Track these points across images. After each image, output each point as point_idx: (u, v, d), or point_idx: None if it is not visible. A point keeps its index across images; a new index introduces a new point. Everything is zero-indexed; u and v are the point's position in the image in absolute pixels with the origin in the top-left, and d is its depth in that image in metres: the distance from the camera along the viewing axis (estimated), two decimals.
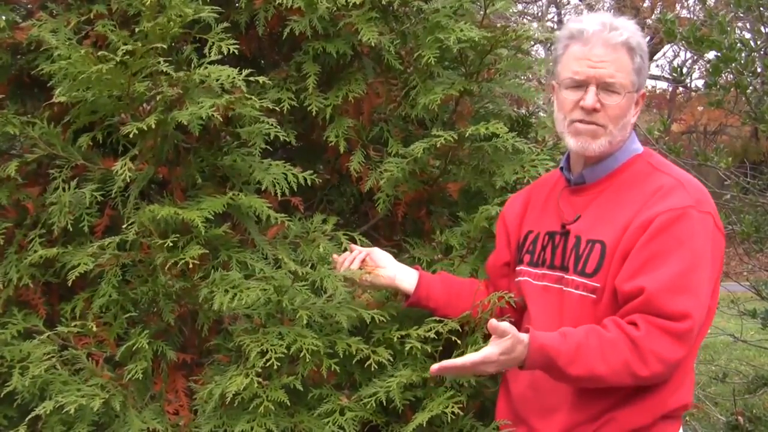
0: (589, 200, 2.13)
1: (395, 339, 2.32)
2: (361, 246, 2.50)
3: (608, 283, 2.02)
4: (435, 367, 2.03)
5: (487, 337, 2.28)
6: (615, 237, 2.02)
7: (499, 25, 2.98)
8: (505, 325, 1.98)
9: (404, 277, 2.35)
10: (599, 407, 2.05)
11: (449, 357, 2.21)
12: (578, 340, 1.97)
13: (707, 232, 2.01)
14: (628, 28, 2.06)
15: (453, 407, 2.20)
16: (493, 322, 1.97)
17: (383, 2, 2.56)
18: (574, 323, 2.05)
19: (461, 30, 2.53)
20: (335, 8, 2.53)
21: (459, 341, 2.25)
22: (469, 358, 2.01)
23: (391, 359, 2.30)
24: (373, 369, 2.28)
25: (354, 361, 2.31)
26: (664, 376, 1.99)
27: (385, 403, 2.26)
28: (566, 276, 2.12)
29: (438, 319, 2.29)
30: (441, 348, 2.28)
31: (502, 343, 1.97)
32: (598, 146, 2.08)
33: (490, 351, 1.98)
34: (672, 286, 1.94)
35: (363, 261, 2.37)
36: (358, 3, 2.50)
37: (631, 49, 2.06)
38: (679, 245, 1.97)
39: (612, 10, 16.35)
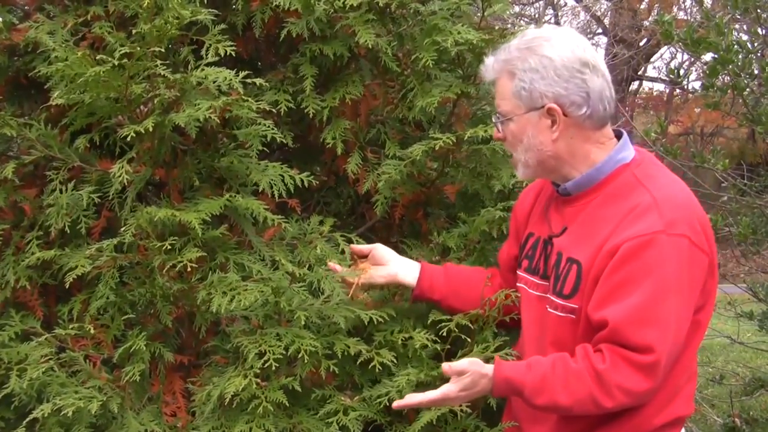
0: (576, 212, 2.11)
1: (399, 342, 2.33)
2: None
3: (584, 304, 2.01)
4: (396, 403, 2.12)
5: (497, 335, 2.31)
6: (590, 258, 2.01)
7: (496, 27, 2.98)
8: (462, 364, 2.05)
9: (407, 272, 2.37)
10: (584, 423, 2.06)
11: (455, 356, 2.24)
12: (543, 371, 1.99)
13: (680, 256, 1.94)
14: (513, 51, 2.05)
15: (461, 406, 2.21)
16: (445, 366, 2.05)
17: (380, 4, 2.56)
18: (555, 342, 2.08)
19: (458, 32, 2.53)
20: (332, 10, 2.53)
21: (469, 339, 2.26)
22: (428, 396, 2.07)
23: (395, 361, 2.30)
24: (377, 371, 2.29)
25: (357, 363, 2.32)
26: (632, 405, 1.98)
27: (389, 403, 2.26)
28: (548, 294, 2.12)
29: (443, 318, 2.30)
30: (448, 347, 2.29)
31: (461, 381, 2.04)
32: (520, 174, 2.16)
33: (448, 389, 2.05)
34: (636, 319, 1.92)
35: (357, 263, 2.38)
36: (355, 5, 2.50)
37: (509, 72, 2.05)
38: (644, 275, 1.92)
39: (609, 12, 16.38)
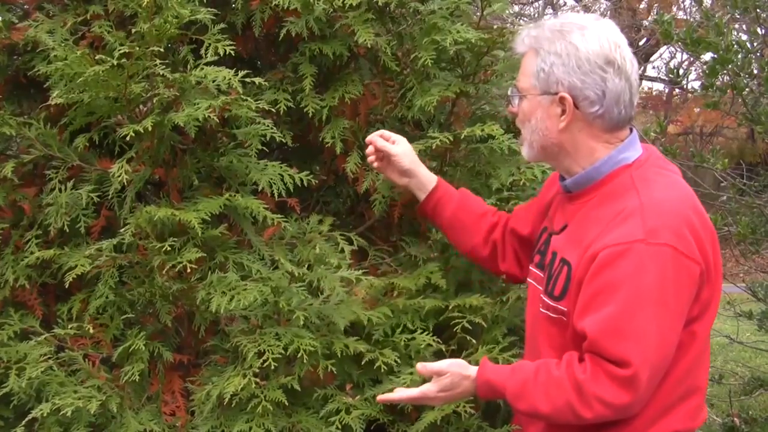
0: (575, 211, 2.07)
1: (401, 343, 2.33)
2: (357, 246, 2.53)
3: (572, 308, 1.98)
4: (379, 397, 2.16)
5: (505, 336, 2.31)
6: (577, 261, 1.97)
7: (495, 26, 2.98)
8: (441, 364, 2.07)
9: (420, 186, 2.41)
10: (572, 430, 2.02)
11: (456, 354, 2.25)
12: (525, 377, 1.98)
13: (661, 266, 1.86)
14: (546, 30, 2.02)
15: (464, 407, 2.22)
16: (419, 366, 2.07)
17: (380, 3, 2.56)
18: (548, 342, 2.07)
19: (458, 31, 2.53)
20: (331, 9, 2.53)
21: (474, 340, 2.26)
22: (408, 393, 2.11)
23: (398, 361, 2.31)
24: (381, 371, 2.31)
25: (361, 363, 2.33)
26: (615, 417, 1.93)
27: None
28: (541, 294, 2.10)
29: (455, 315, 2.31)
30: (452, 348, 2.30)
31: (441, 381, 2.06)
32: (524, 153, 2.13)
33: (427, 388, 2.08)
34: (611, 331, 1.87)
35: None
36: (354, 4, 2.50)
37: (535, 50, 2.02)
38: (619, 285, 1.87)
39: (608, 12, 16.38)
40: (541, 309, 2.09)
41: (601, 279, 1.89)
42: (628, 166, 2.02)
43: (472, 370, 2.04)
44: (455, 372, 2.05)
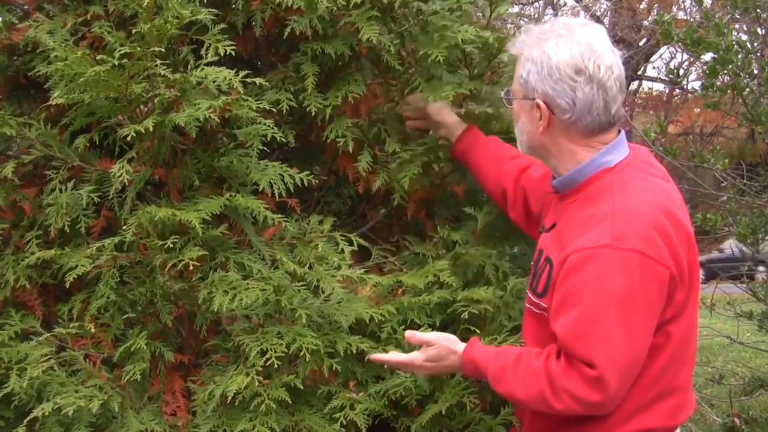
0: (563, 211, 2.10)
1: (404, 340, 2.34)
2: (358, 247, 2.52)
3: (551, 305, 2.02)
4: (370, 356, 2.26)
5: (511, 319, 2.34)
6: (557, 261, 2.01)
7: (503, 27, 2.98)
8: (429, 335, 2.15)
9: (452, 129, 2.60)
10: (553, 421, 2.07)
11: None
12: (506, 362, 2.04)
13: (628, 270, 1.89)
14: (532, 36, 2.06)
15: (467, 398, 2.23)
16: (408, 333, 2.16)
17: (384, 1, 2.56)
18: (530, 336, 2.14)
19: (466, 31, 2.52)
20: (335, 8, 2.52)
21: (478, 331, 2.28)
22: (394, 357, 2.20)
23: None
24: (384, 366, 2.32)
25: (364, 359, 2.33)
26: (584, 413, 1.97)
27: (402, 393, 2.30)
28: (527, 290, 2.16)
29: (459, 305, 2.34)
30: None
31: (427, 352, 2.14)
32: (519, 149, 2.21)
33: (414, 356, 2.16)
34: (577, 334, 1.92)
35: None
36: (358, 2, 2.50)
37: (520, 56, 2.08)
38: (584, 289, 1.91)
39: (608, 12, 16.40)
40: (526, 303, 2.16)
41: (569, 283, 1.94)
42: (609, 169, 2.04)
43: (460, 347, 2.12)
44: (443, 345, 2.12)
